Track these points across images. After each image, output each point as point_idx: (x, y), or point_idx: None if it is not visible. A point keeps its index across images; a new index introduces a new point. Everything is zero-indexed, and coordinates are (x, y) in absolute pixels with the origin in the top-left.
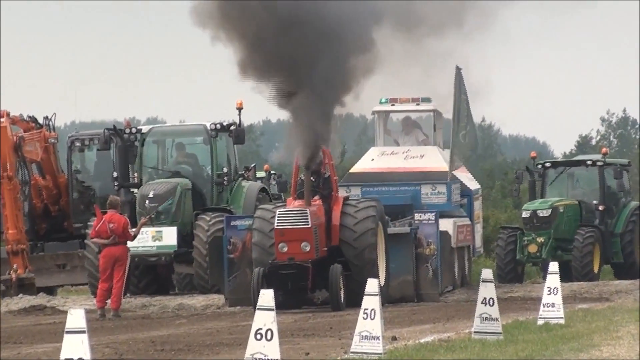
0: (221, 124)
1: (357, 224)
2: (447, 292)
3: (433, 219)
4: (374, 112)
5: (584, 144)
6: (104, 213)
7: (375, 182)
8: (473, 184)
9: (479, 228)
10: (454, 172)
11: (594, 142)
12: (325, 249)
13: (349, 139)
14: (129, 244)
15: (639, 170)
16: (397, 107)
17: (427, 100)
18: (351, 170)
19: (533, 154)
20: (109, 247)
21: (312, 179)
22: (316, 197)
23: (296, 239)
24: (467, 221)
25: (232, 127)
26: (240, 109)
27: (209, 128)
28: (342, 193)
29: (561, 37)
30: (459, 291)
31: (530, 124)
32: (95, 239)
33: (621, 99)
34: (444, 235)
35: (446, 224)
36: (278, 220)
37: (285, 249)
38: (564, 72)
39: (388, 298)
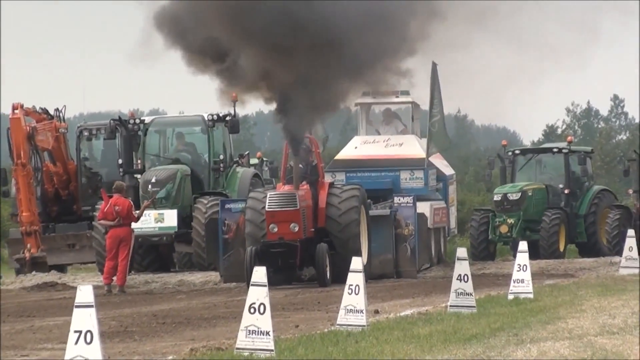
0: (218, 115)
1: (341, 203)
2: (424, 269)
3: (411, 202)
4: (357, 104)
5: (550, 133)
6: (110, 197)
7: (358, 168)
8: (448, 170)
9: (453, 210)
10: (430, 159)
11: (559, 131)
12: (313, 229)
13: (335, 128)
14: (133, 225)
15: (638, 164)
16: (378, 99)
17: (405, 93)
18: (336, 158)
19: (504, 142)
20: (115, 229)
21: (300, 165)
22: (304, 183)
23: (285, 220)
24: (442, 204)
25: (227, 118)
26: (235, 101)
27: (206, 118)
28: (327, 179)
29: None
30: (436, 268)
31: (501, 115)
32: (102, 221)
33: (586, 92)
34: (421, 217)
35: (423, 207)
36: (269, 202)
37: (276, 230)
38: (533, 66)
39: (370, 275)
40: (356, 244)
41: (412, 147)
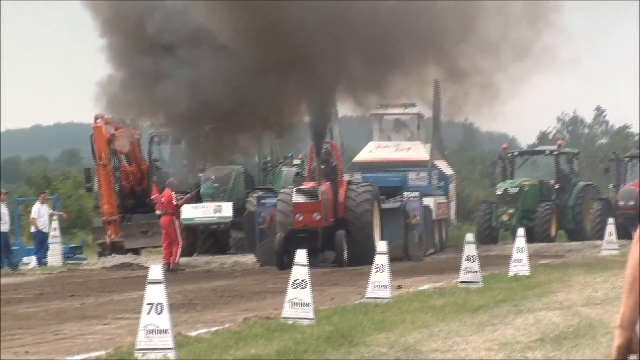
0: (268, 124)
1: (357, 196)
2: (430, 254)
3: (418, 196)
4: (371, 115)
5: (543, 137)
6: (161, 191)
7: (372, 169)
8: (449, 171)
9: (453, 205)
10: (433, 162)
11: (551, 136)
12: (333, 219)
13: (356, 135)
14: (189, 214)
15: (616, 163)
16: (389, 110)
17: (412, 105)
18: (354, 160)
19: (504, 145)
20: (162, 217)
21: (322, 166)
22: (326, 181)
23: (309, 210)
24: (444, 199)
25: (274, 126)
26: (283, 111)
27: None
28: (346, 178)
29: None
30: (440, 253)
31: (502, 122)
32: (157, 212)
33: (573, 103)
34: (427, 209)
35: (428, 201)
36: (295, 195)
37: (301, 218)
38: (526, 82)
39: None
40: (370, 229)
41: (418, 151)
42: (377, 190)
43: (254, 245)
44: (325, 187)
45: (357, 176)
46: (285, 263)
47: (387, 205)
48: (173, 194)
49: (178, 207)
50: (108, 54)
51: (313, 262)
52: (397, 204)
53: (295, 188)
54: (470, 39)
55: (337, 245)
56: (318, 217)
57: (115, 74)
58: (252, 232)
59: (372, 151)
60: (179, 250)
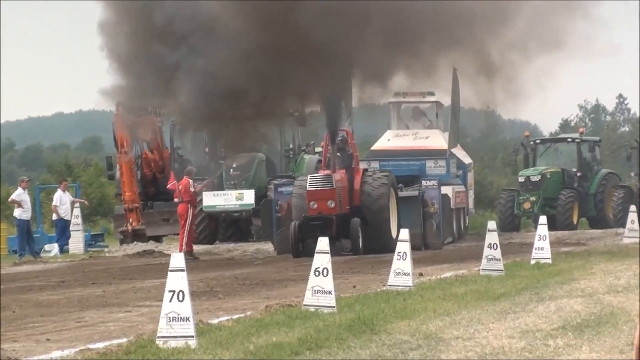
0: (288, 111)
1: (373, 183)
2: (448, 242)
3: (436, 185)
4: (389, 103)
5: (565, 125)
6: (179, 179)
7: (390, 157)
8: (467, 159)
9: (471, 194)
10: (452, 150)
11: (573, 124)
12: (348, 207)
13: (375, 123)
14: (212, 202)
15: (638, 151)
16: (408, 99)
17: (431, 93)
18: (372, 148)
19: (526, 133)
20: (179, 205)
21: (338, 154)
22: (342, 169)
23: (323, 198)
24: (462, 188)
25: (296, 114)
26: (304, 100)
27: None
28: (363, 166)
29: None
30: (461, 241)
31: (524, 110)
32: (175, 199)
33: (595, 91)
34: (445, 197)
35: (446, 190)
36: (309, 183)
37: (315, 206)
38: (552, 69)
39: None
40: (386, 216)
41: (437, 139)
42: (393, 178)
43: (272, 233)
44: (340, 174)
45: (375, 164)
46: (300, 251)
47: (405, 193)
48: (190, 181)
49: (196, 194)
50: (122, 44)
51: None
52: (416, 193)
53: (309, 175)
54: (501, 30)
55: (353, 233)
56: (333, 205)
57: (129, 65)
58: (270, 220)
59: (390, 139)
60: (184, 239)
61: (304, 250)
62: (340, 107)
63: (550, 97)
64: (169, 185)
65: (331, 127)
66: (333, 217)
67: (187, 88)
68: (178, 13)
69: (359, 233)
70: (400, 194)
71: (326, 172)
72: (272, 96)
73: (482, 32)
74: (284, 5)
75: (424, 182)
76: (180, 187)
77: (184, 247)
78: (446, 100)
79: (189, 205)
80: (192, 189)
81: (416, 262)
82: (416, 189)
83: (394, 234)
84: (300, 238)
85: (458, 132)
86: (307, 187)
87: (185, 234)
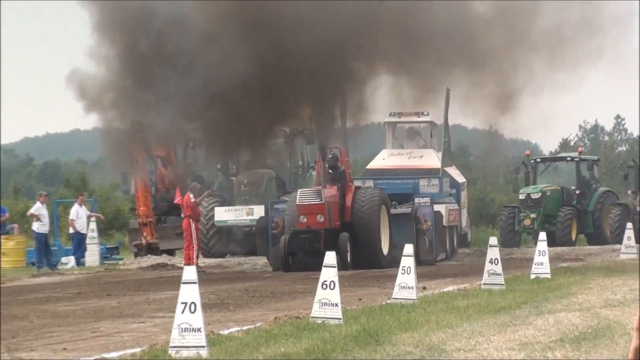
0: (297, 129)
1: (364, 200)
2: (440, 259)
3: (429, 202)
4: (384, 123)
5: (565, 144)
6: (184, 196)
7: (385, 176)
8: (461, 178)
9: (464, 212)
10: (446, 169)
11: (572, 143)
12: (339, 222)
13: (368, 143)
14: (223, 217)
15: (635, 170)
16: (402, 119)
17: (425, 113)
18: (367, 167)
19: (527, 152)
20: (183, 220)
21: (330, 171)
22: (334, 186)
23: (313, 212)
24: (455, 206)
25: (305, 132)
26: (311, 118)
27: (287, 132)
28: (358, 184)
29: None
30: (451, 259)
31: (525, 130)
32: (182, 215)
33: (594, 112)
34: (438, 214)
35: (439, 207)
36: (299, 197)
37: (305, 220)
38: (550, 91)
39: (393, 263)
40: (376, 232)
41: (431, 159)
42: (385, 195)
43: (267, 250)
44: (331, 190)
45: (369, 183)
46: (290, 265)
47: (398, 210)
48: (191, 195)
49: (197, 204)
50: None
51: (318, 265)
52: (409, 210)
53: (299, 190)
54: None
55: (341, 247)
56: (322, 219)
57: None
58: (265, 236)
59: (385, 158)
60: (195, 254)
61: (293, 264)
62: (331, 125)
63: (550, 117)
64: (175, 201)
65: (321, 144)
66: (321, 231)
67: (190, 109)
68: (171, 31)
69: (347, 247)
70: (394, 211)
71: (317, 187)
72: (263, 113)
73: (491, 57)
74: (277, 22)
75: (417, 200)
76: (183, 202)
77: (195, 259)
78: (440, 120)
79: (191, 219)
80: (192, 200)
81: (420, 276)
82: (409, 206)
83: (385, 250)
84: (290, 252)
85: (450, 151)
86: (297, 201)
87: (194, 247)
